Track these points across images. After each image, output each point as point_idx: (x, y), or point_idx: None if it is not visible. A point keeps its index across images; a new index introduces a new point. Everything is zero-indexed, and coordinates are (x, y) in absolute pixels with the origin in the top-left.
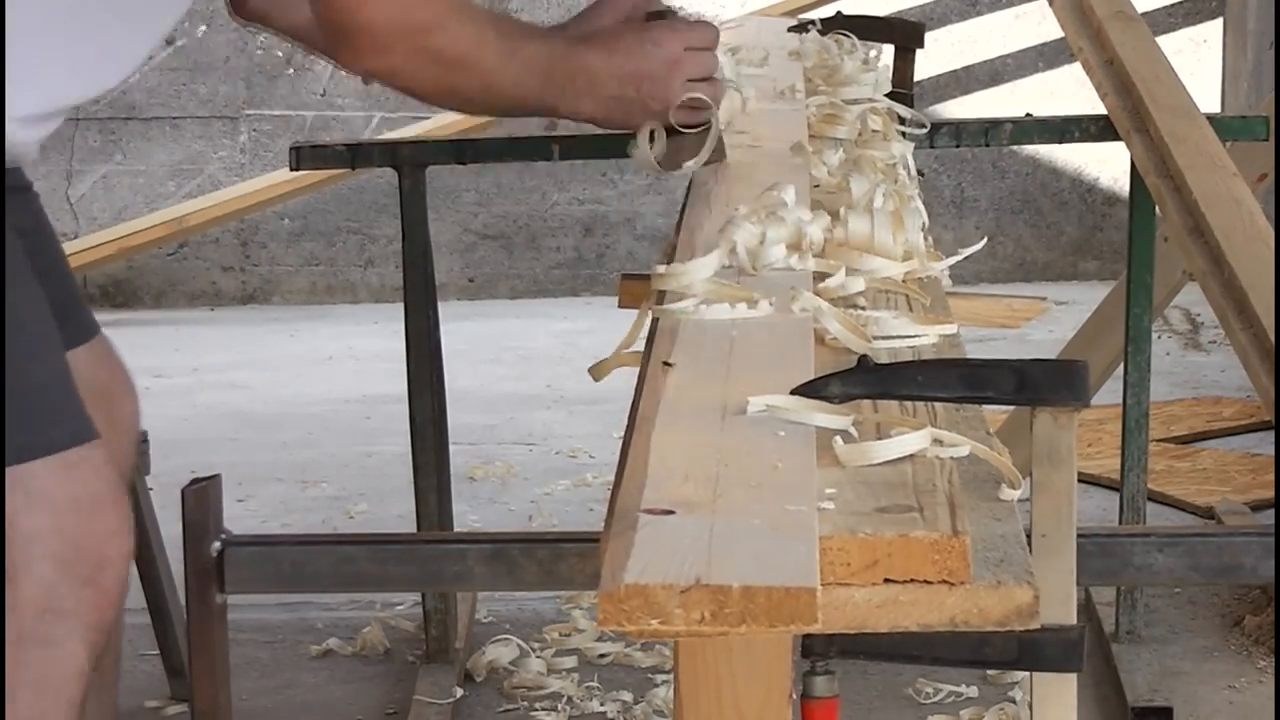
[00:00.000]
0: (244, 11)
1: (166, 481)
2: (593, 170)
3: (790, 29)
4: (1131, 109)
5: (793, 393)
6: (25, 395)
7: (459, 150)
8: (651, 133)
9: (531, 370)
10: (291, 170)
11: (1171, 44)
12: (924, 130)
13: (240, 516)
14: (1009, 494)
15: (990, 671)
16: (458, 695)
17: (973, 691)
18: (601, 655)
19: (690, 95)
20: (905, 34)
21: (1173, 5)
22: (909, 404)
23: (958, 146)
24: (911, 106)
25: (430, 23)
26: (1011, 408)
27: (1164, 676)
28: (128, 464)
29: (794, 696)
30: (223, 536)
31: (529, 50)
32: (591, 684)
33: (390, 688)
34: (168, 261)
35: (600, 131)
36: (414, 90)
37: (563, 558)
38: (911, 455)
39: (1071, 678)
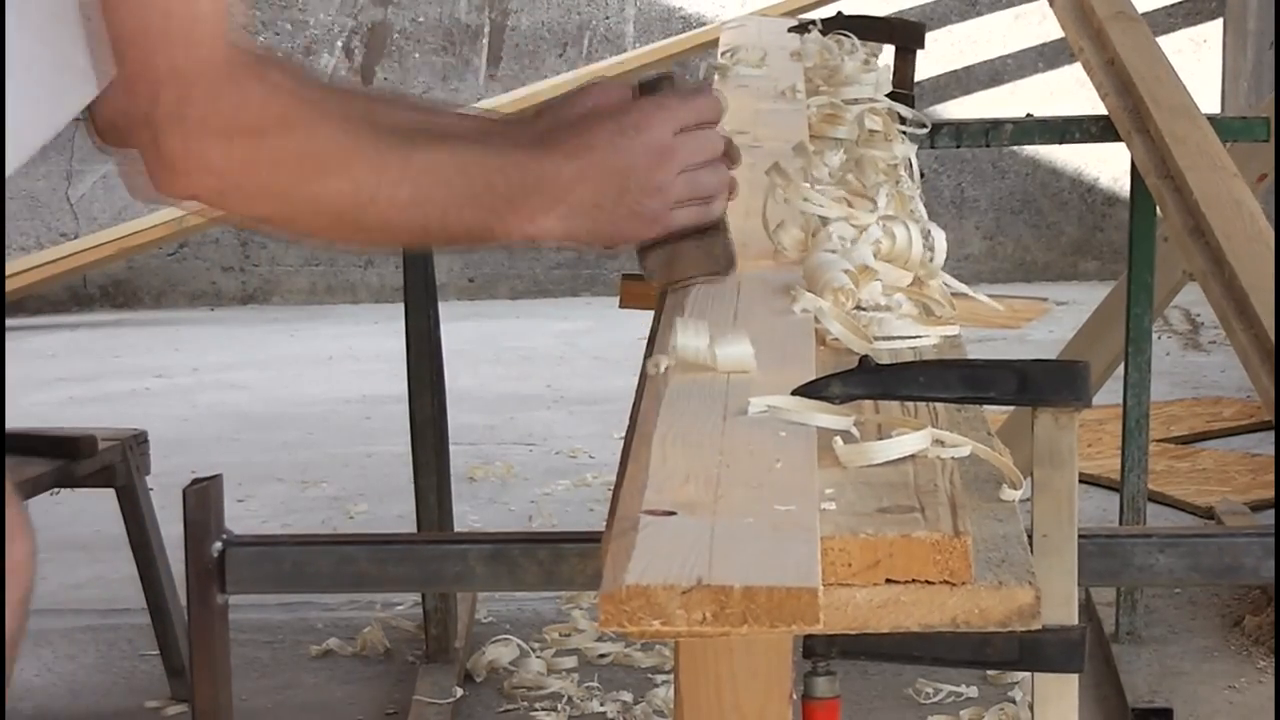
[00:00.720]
0: (108, 138)
1: (167, 481)
2: None
3: (791, 29)
4: (1132, 109)
5: (794, 393)
6: None
7: None
8: (653, 245)
9: (531, 370)
10: None
11: (1172, 44)
12: (925, 130)
13: (241, 516)
14: (1010, 494)
15: (990, 672)
16: (457, 695)
17: (973, 692)
18: (601, 655)
19: (692, 192)
20: (905, 34)
21: (1173, 5)
22: (910, 404)
23: (958, 147)
24: (912, 107)
25: (268, 121)
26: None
27: (1164, 677)
28: None
29: (795, 697)
30: (223, 537)
31: (441, 154)
32: (591, 684)
33: (390, 688)
34: (168, 261)
35: None
36: (257, 212)
37: (563, 558)
38: (913, 455)
39: (1073, 678)
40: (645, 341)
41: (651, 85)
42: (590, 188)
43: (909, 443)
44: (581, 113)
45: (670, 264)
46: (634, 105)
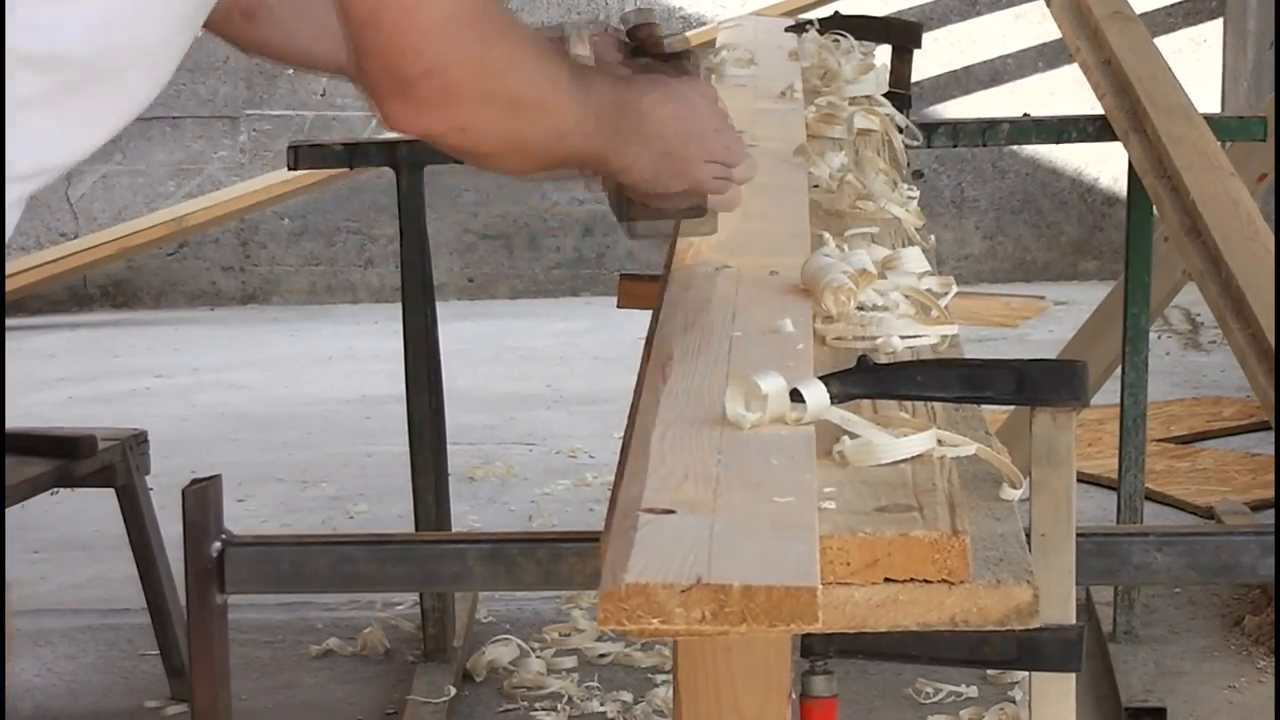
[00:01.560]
0: (251, 41)
1: (166, 482)
2: None
3: (788, 29)
4: (1129, 109)
5: (791, 394)
6: None
7: None
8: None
9: (531, 370)
10: (290, 170)
11: (1171, 44)
12: (918, 144)
13: (240, 516)
14: (1010, 493)
15: (990, 671)
16: (451, 694)
17: (973, 691)
18: (601, 655)
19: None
20: (903, 34)
21: (1172, 5)
22: (908, 404)
23: (955, 146)
24: (909, 106)
25: (506, 62)
26: (1011, 408)
27: (1163, 676)
28: None
29: (793, 696)
30: (223, 537)
31: (597, 88)
32: (591, 684)
33: (390, 687)
34: (168, 261)
35: None
36: (477, 148)
37: (562, 558)
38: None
39: (1070, 677)
40: (644, 341)
41: (638, 29)
42: (666, 133)
43: (915, 443)
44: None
45: (653, 230)
46: (703, 88)
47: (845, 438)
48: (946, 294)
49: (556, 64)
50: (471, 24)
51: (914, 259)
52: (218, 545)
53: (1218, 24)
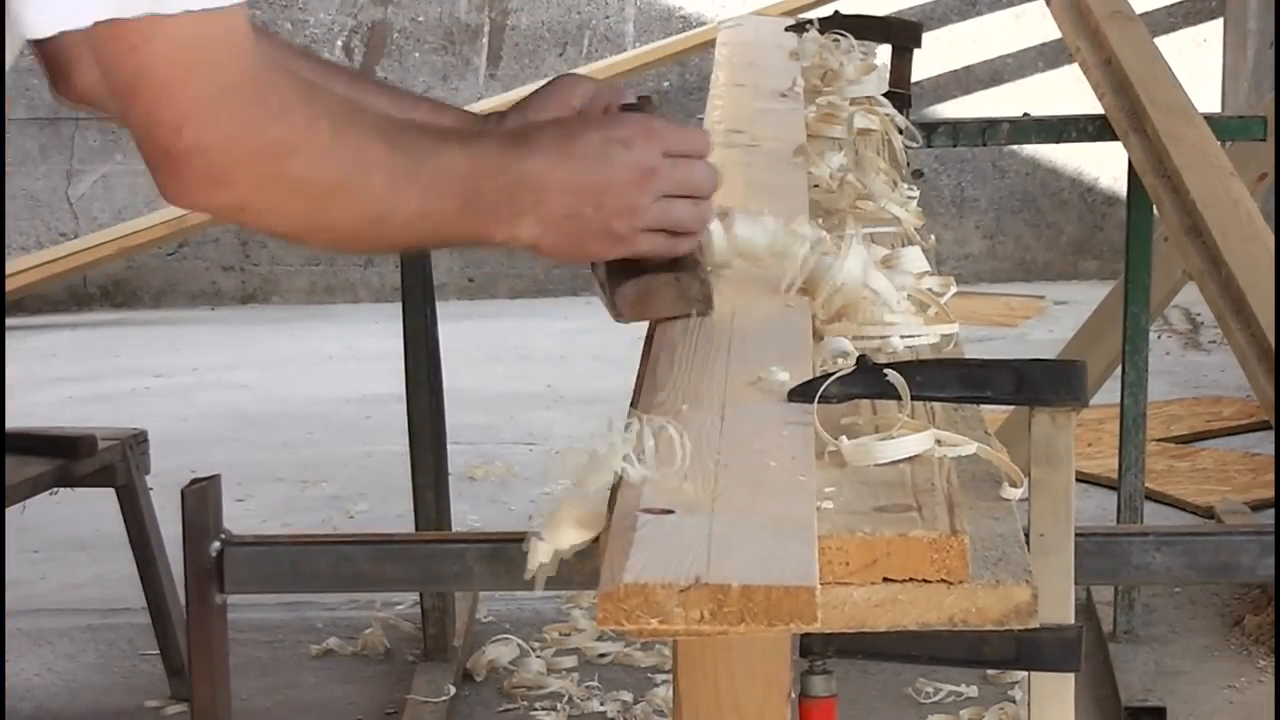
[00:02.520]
0: (70, 94)
1: (166, 481)
2: None
3: (788, 29)
4: (1129, 109)
5: (791, 393)
6: None
7: None
8: (617, 269)
9: (531, 370)
10: None
11: (1171, 44)
12: (918, 145)
13: (240, 516)
14: (1011, 492)
15: (990, 671)
16: (451, 694)
17: (973, 691)
18: (601, 655)
19: (664, 221)
20: (903, 34)
21: (1173, 5)
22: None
23: (955, 146)
24: (909, 106)
25: (288, 144)
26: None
27: (1163, 676)
28: None
29: (792, 696)
30: (222, 536)
31: (442, 162)
32: (591, 683)
33: (390, 687)
34: (168, 261)
35: None
36: (272, 228)
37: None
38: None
39: (1069, 677)
40: (644, 341)
41: (633, 105)
42: (568, 198)
43: (914, 442)
44: (565, 114)
45: (643, 301)
46: (623, 119)
47: (843, 437)
48: (946, 293)
49: (371, 141)
50: (245, 101)
51: (914, 258)
52: (217, 545)
53: (1218, 24)
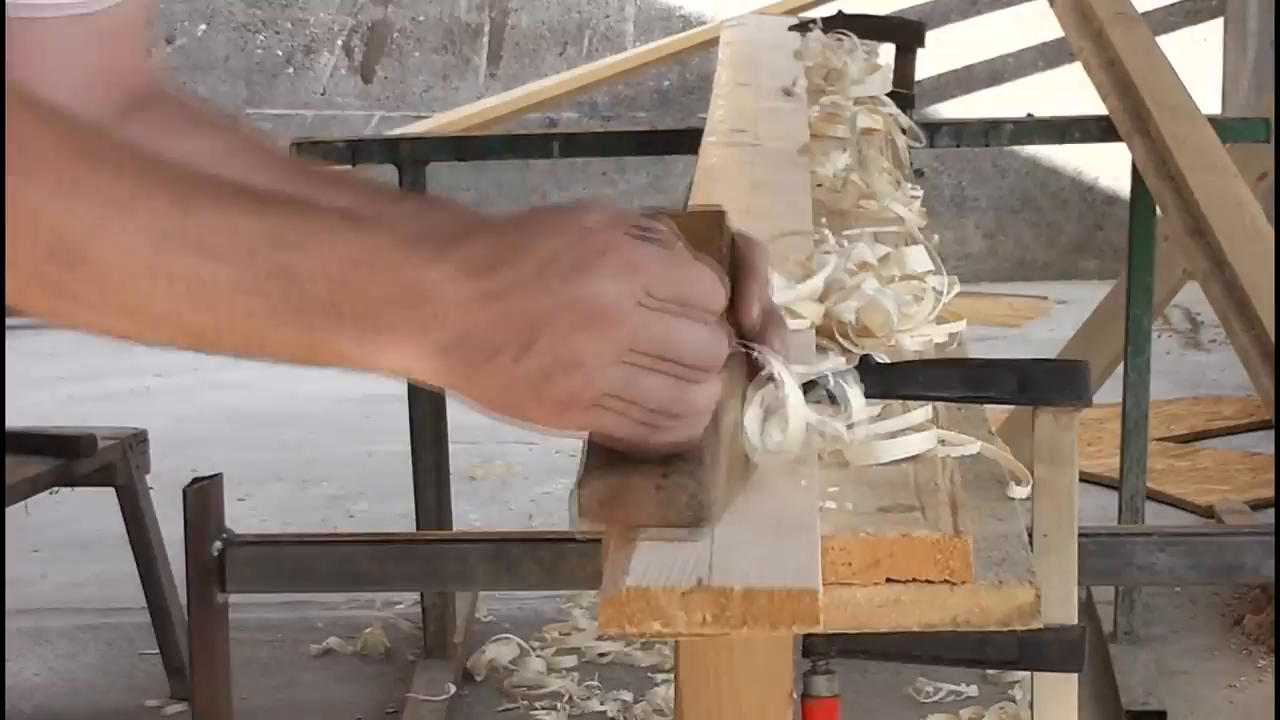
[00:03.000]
0: None
1: (167, 481)
2: (593, 169)
3: (791, 28)
4: (1132, 110)
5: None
6: None
7: (459, 147)
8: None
9: None
10: None
11: (1172, 43)
12: (921, 145)
13: (240, 516)
14: (1017, 491)
15: (990, 671)
16: (451, 693)
17: (973, 691)
18: (602, 654)
19: (628, 394)
20: (906, 33)
21: (1173, 5)
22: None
23: (958, 146)
24: (912, 106)
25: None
26: (1013, 408)
27: (1163, 676)
28: None
29: (794, 696)
30: (223, 536)
31: (263, 224)
32: (592, 683)
33: (391, 687)
34: None
35: (600, 129)
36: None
37: (563, 557)
38: (916, 455)
39: (1072, 678)
40: None
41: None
42: (487, 325)
43: (916, 442)
44: (523, 215)
45: (611, 503)
46: (598, 230)
47: (845, 437)
48: (948, 293)
49: (122, 177)
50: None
51: (918, 258)
52: (218, 544)
53: (1218, 23)
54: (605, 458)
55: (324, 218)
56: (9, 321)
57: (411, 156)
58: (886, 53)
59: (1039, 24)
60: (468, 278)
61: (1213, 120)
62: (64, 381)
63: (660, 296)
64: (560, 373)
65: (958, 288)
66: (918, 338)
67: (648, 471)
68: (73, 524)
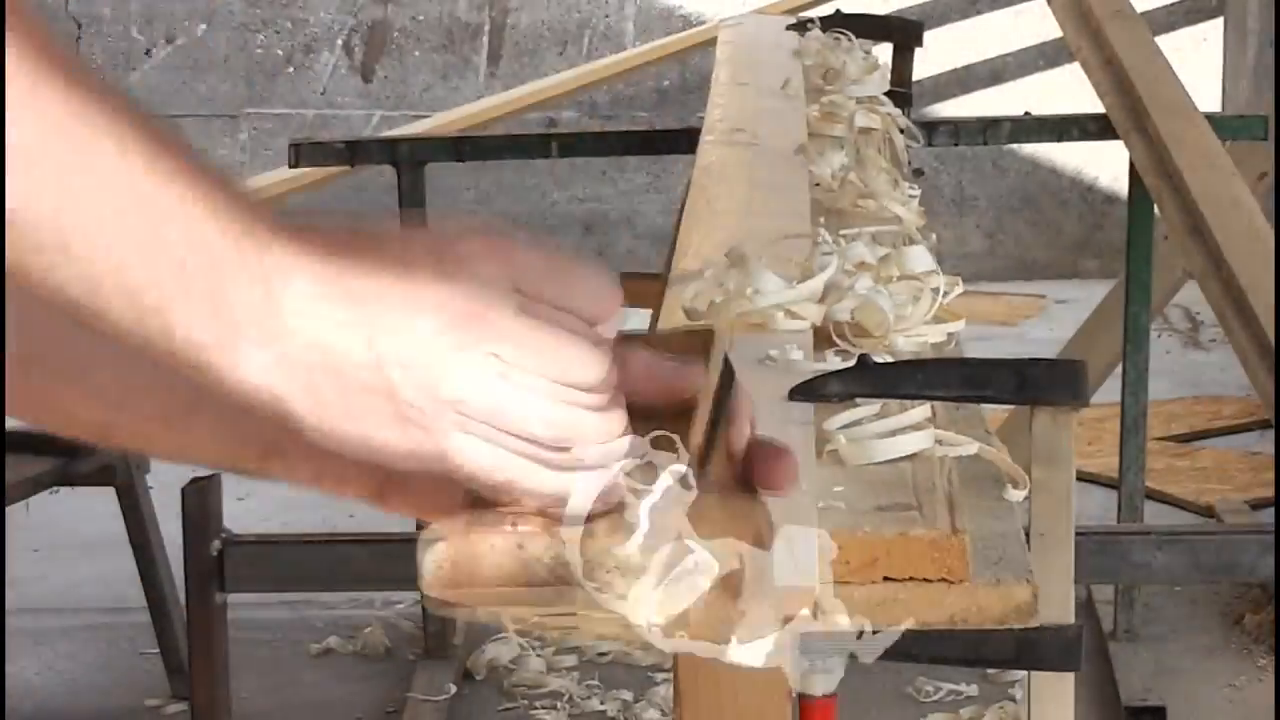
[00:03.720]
0: None
1: (166, 480)
2: (593, 168)
3: (789, 27)
4: (1130, 108)
5: (791, 392)
6: None
7: (458, 147)
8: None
9: None
10: (290, 167)
11: (1171, 43)
12: (919, 144)
13: (240, 515)
14: (1014, 494)
15: (990, 670)
16: (451, 692)
17: (973, 690)
18: (602, 654)
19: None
20: (904, 32)
21: (1173, 4)
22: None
23: (956, 145)
24: (910, 105)
25: None
26: (1011, 407)
27: (1163, 675)
28: None
29: (792, 694)
30: (223, 535)
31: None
32: (592, 682)
33: (390, 686)
34: None
35: (600, 129)
36: None
37: None
38: (913, 454)
39: (1069, 677)
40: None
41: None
42: (318, 318)
43: (911, 441)
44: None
45: (457, 568)
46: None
47: (840, 436)
48: (951, 292)
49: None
50: None
51: (919, 257)
52: (218, 544)
53: (1218, 23)
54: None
55: (237, 201)
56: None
57: (410, 157)
58: (884, 52)
59: (1038, 23)
60: (312, 256)
61: (1212, 118)
62: None
63: (537, 298)
64: (415, 388)
65: (960, 288)
66: (915, 337)
67: (492, 532)
68: (73, 524)
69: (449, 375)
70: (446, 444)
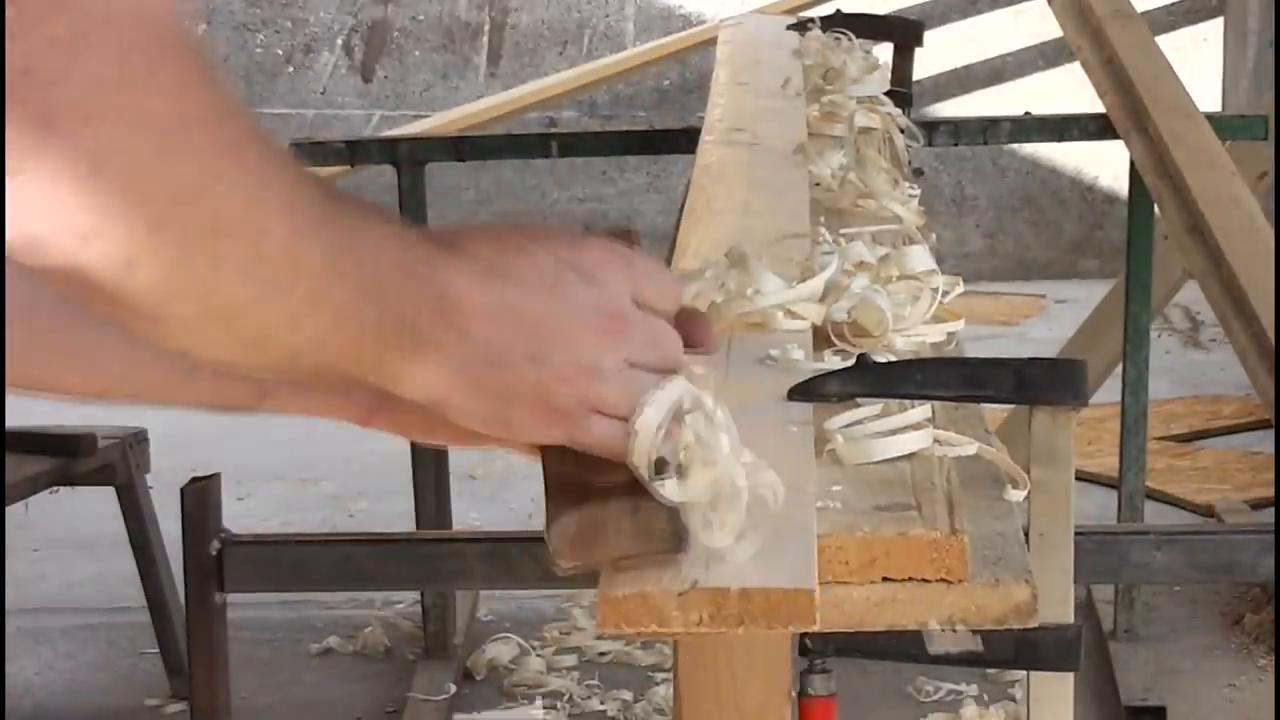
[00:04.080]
0: None
1: (166, 480)
2: (593, 168)
3: (789, 27)
4: (1131, 108)
5: (791, 392)
6: None
7: (458, 147)
8: (557, 486)
9: None
10: None
11: (1171, 42)
12: (919, 144)
13: (239, 515)
14: (1014, 494)
15: (990, 670)
16: (451, 692)
17: (973, 690)
18: (602, 653)
19: (629, 399)
20: (905, 32)
21: (1173, 3)
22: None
23: (956, 145)
24: (911, 105)
25: (148, 76)
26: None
27: (1163, 674)
28: None
29: (792, 694)
30: (222, 535)
31: (363, 228)
32: (592, 682)
33: (390, 686)
34: None
35: (600, 129)
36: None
37: None
38: (911, 453)
39: (1068, 677)
40: None
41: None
42: (497, 331)
43: (909, 440)
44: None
45: (587, 540)
46: (586, 242)
47: (838, 436)
48: (951, 292)
49: (264, 154)
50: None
51: (919, 257)
52: (217, 544)
53: (1218, 23)
54: (568, 497)
55: (402, 227)
56: None
57: (410, 156)
58: (885, 52)
59: (1038, 23)
60: (478, 283)
61: (1212, 117)
62: None
63: (647, 301)
64: (566, 382)
65: (961, 288)
66: (914, 337)
67: (615, 505)
68: (72, 523)
69: (593, 377)
70: (584, 430)
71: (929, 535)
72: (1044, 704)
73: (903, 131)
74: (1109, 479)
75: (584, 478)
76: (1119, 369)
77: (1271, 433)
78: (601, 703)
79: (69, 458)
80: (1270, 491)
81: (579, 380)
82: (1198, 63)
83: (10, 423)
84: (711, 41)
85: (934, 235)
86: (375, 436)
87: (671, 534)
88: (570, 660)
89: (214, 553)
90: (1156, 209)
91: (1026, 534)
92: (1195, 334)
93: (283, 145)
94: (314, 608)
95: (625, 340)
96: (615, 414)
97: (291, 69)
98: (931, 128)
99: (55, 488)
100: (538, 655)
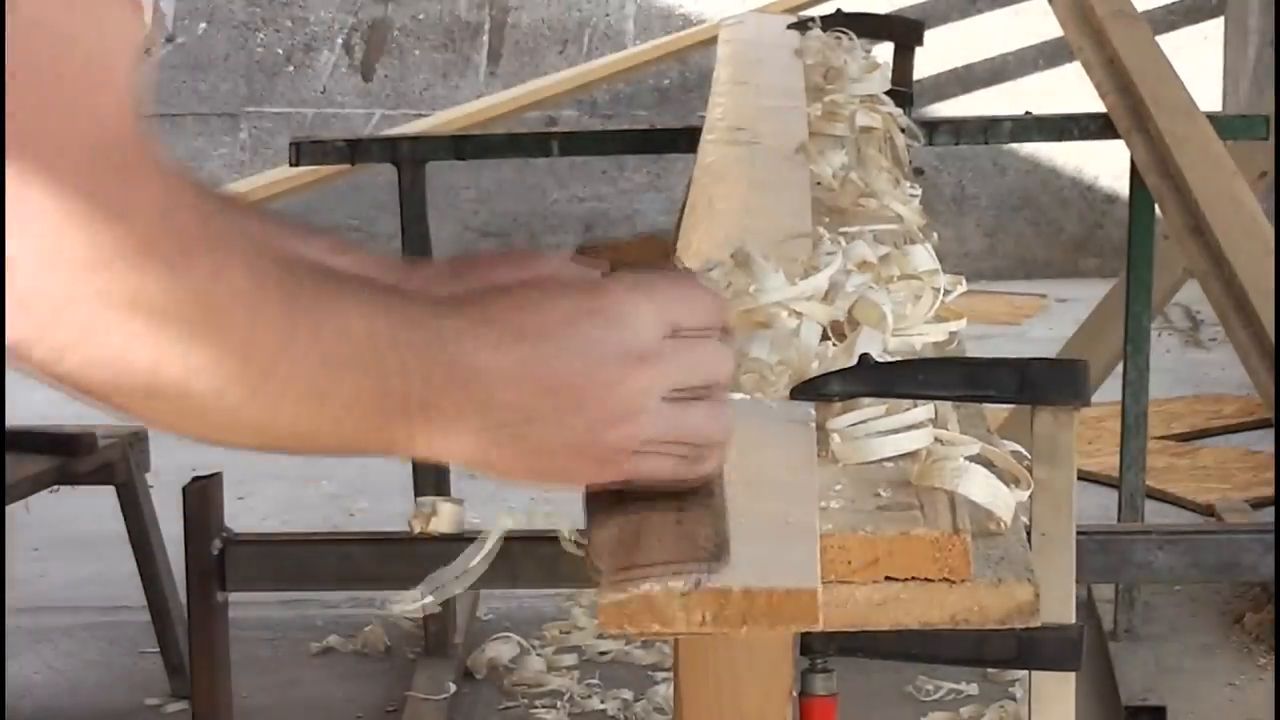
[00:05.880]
0: None
1: (167, 479)
2: (593, 167)
3: (790, 26)
4: (1132, 108)
5: (792, 392)
6: None
7: (458, 146)
8: (596, 497)
9: None
10: (291, 166)
11: (1172, 42)
12: (920, 144)
13: (240, 515)
14: (1017, 494)
15: (991, 669)
16: (451, 691)
17: (973, 689)
18: (602, 653)
19: (676, 433)
20: (905, 32)
21: (1173, 3)
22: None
23: (957, 144)
24: (911, 104)
25: (156, 244)
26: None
27: (1163, 674)
28: None
29: (793, 694)
30: (223, 534)
31: (341, 317)
32: (592, 681)
33: (391, 685)
34: None
35: (600, 128)
36: (89, 378)
37: (563, 555)
38: (913, 453)
39: (1070, 676)
40: None
41: (591, 247)
42: (523, 394)
43: (907, 440)
44: (523, 278)
45: (628, 548)
46: (606, 284)
47: (836, 435)
48: (953, 291)
49: (260, 266)
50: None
51: (920, 256)
52: (218, 543)
53: (1219, 22)
54: (610, 503)
55: (399, 306)
56: None
57: (411, 155)
58: (885, 51)
59: (1038, 23)
60: (499, 348)
61: (1213, 117)
62: None
63: (682, 324)
64: (604, 429)
65: (963, 287)
66: (916, 336)
67: (659, 516)
68: (73, 523)
69: (631, 420)
70: (632, 469)
71: (931, 535)
72: (1045, 703)
73: (903, 131)
74: (1109, 478)
75: (619, 491)
76: (1119, 368)
77: (1272, 432)
78: (602, 702)
79: (69, 457)
80: (1270, 491)
81: (617, 426)
82: (1199, 62)
83: (10, 422)
84: (712, 41)
85: (934, 235)
86: None
87: (715, 546)
88: (570, 659)
89: (215, 552)
90: (1157, 208)
91: (1028, 534)
92: (1195, 333)
93: (274, 229)
94: (314, 606)
95: (659, 376)
96: (663, 450)
97: (292, 68)
98: (932, 127)
99: (55, 487)
100: (538, 654)
